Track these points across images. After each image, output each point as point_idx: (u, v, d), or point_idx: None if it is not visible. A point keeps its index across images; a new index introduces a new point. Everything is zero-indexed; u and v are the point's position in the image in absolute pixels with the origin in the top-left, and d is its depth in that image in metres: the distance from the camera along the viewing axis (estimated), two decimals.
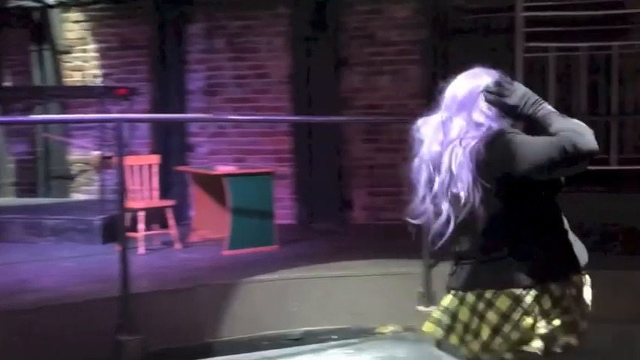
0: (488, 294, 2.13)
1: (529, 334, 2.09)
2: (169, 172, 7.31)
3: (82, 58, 8.46)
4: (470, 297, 2.17)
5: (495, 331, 2.11)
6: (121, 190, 4.53)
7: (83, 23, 8.43)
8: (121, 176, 4.54)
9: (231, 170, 6.43)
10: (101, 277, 5.01)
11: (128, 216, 5.91)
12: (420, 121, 2.32)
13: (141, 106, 7.79)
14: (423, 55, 7.52)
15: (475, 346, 2.17)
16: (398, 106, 7.56)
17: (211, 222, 6.59)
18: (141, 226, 6.09)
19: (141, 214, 6.09)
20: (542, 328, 2.09)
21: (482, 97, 2.19)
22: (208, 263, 5.76)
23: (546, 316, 2.10)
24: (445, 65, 7.36)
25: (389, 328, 4.99)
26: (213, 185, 6.43)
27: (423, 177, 2.21)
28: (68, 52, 8.46)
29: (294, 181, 7.82)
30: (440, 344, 2.33)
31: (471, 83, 2.24)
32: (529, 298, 2.09)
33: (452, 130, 2.18)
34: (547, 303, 2.10)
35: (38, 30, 8.38)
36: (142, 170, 6.42)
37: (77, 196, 8.37)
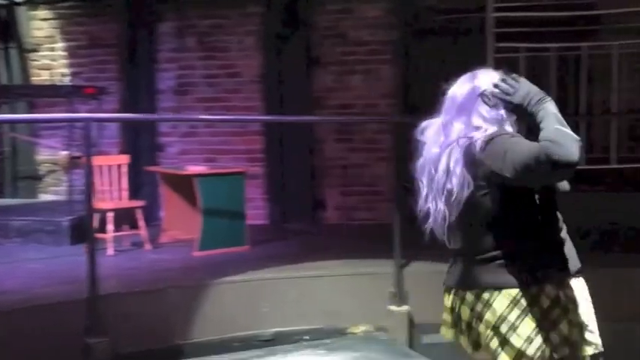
0: (486, 294, 2.15)
1: (528, 335, 2.10)
2: (139, 172, 7.22)
3: (50, 57, 8.34)
4: (469, 296, 2.19)
5: (494, 331, 2.13)
6: (89, 191, 4.47)
7: (51, 21, 8.31)
8: (88, 176, 4.48)
9: (201, 170, 6.38)
10: (69, 278, 4.94)
11: (97, 217, 5.84)
12: (424, 124, 2.35)
13: (110, 106, 7.70)
14: (394, 55, 7.54)
15: (476, 345, 2.19)
16: (370, 106, 7.58)
17: (182, 222, 6.54)
18: (110, 226, 6.02)
19: (110, 215, 6.01)
20: (540, 329, 2.09)
21: (481, 101, 2.21)
22: (179, 264, 5.71)
23: (544, 317, 2.10)
24: (417, 65, 7.39)
25: (361, 328, 4.99)
26: (183, 185, 6.38)
27: (425, 178, 2.27)
28: (36, 51, 8.33)
29: (266, 181, 7.79)
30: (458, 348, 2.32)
31: (469, 86, 2.27)
32: (526, 298, 2.10)
33: (452, 133, 2.22)
34: (545, 303, 2.11)
35: (5, 28, 8.23)
36: (111, 170, 6.34)
37: (45, 197, 8.24)
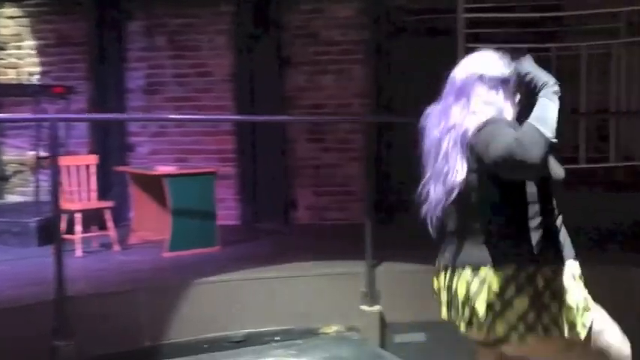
0: (483, 271, 2.18)
1: (522, 313, 2.14)
2: (108, 173, 7.14)
3: (17, 55, 8.21)
4: (466, 273, 2.22)
5: (489, 307, 2.17)
6: (56, 192, 4.41)
7: (19, 19, 8.18)
8: (55, 177, 4.41)
9: (171, 170, 6.32)
10: (36, 280, 4.86)
11: (65, 218, 5.76)
12: (429, 109, 2.39)
13: (79, 105, 7.63)
14: (366, 55, 7.55)
15: (470, 322, 2.22)
16: (342, 106, 7.58)
17: (151, 223, 6.48)
18: (78, 227, 5.94)
19: (78, 216, 5.93)
20: (533, 308, 2.14)
21: (480, 83, 2.27)
22: (148, 265, 5.65)
23: (538, 297, 2.14)
24: (389, 65, 7.41)
25: (332, 328, 4.97)
26: (153, 186, 6.32)
27: (428, 162, 2.32)
28: (2, 49, 8.20)
29: (237, 181, 7.76)
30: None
31: (468, 69, 2.32)
32: (522, 277, 2.14)
33: (451, 117, 2.26)
34: (540, 283, 2.15)
35: None
36: (80, 171, 6.26)
37: (12, 198, 8.12)
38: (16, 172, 8.15)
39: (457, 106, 2.26)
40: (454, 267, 2.27)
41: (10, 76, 8.19)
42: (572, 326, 2.19)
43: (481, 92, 2.26)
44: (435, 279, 2.41)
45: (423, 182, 2.33)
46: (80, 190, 6.25)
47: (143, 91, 7.94)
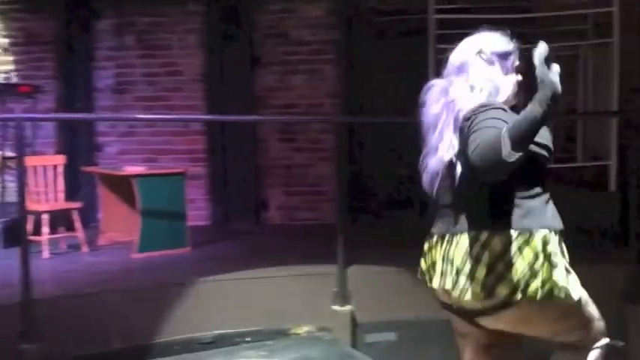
0: (483, 235, 2.23)
1: (523, 271, 2.18)
2: (76, 173, 7.06)
3: None
4: (464, 239, 2.26)
5: (490, 270, 2.20)
6: (22, 192, 4.34)
7: None
8: (21, 177, 4.35)
9: (140, 171, 6.25)
10: (2, 282, 4.79)
11: (32, 219, 5.67)
12: (429, 84, 2.42)
13: (46, 104, 7.52)
14: (337, 55, 7.56)
15: (467, 285, 2.23)
16: (314, 106, 7.58)
17: (120, 224, 6.42)
18: (45, 229, 5.85)
19: (45, 217, 5.85)
20: (532, 269, 2.19)
21: (478, 59, 2.34)
22: (117, 267, 5.58)
23: (536, 259, 2.20)
24: (360, 65, 7.42)
25: (304, 329, 4.96)
26: (121, 186, 6.25)
27: (427, 136, 2.38)
28: None
29: (208, 182, 7.72)
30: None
31: (468, 47, 2.38)
32: (520, 239, 2.20)
33: (451, 93, 2.31)
34: (539, 246, 2.21)
35: None
36: (47, 171, 6.16)
37: None
38: None
39: (457, 82, 2.33)
40: (452, 234, 2.31)
41: None
42: (566, 292, 2.25)
43: (480, 67, 2.33)
44: (426, 254, 2.44)
45: (422, 155, 2.39)
46: (47, 191, 6.16)
47: (112, 90, 7.86)
